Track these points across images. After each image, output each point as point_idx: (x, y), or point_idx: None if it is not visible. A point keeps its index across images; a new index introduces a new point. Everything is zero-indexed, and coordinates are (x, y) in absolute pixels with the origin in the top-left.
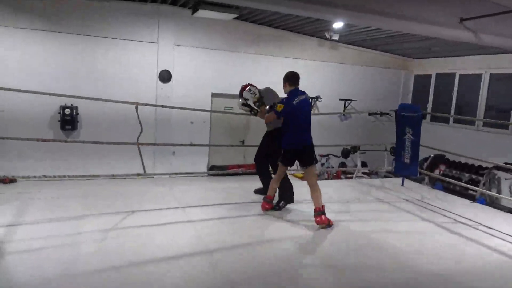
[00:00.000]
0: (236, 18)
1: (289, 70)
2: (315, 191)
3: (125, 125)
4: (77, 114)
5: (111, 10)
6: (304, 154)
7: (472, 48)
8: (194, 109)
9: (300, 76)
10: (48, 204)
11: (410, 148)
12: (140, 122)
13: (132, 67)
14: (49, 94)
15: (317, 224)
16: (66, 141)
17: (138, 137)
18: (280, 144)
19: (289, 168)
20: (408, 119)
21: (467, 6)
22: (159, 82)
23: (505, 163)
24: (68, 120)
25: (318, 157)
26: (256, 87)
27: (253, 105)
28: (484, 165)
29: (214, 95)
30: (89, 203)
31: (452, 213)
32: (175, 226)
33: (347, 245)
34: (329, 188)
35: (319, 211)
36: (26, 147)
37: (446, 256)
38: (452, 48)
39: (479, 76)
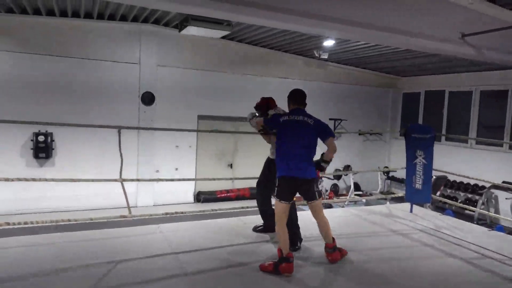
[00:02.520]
0: (224, 37)
1: (295, 88)
2: (324, 225)
3: (105, 151)
4: (52, 141)
5: (90, 30)
6: (302, 186)
7: (461, 65)
8: (180, 129)
9: (287, 95)
10: (16, 255)
11: (422, 173)
12: (120, 152)
13: (112, 89)
14: (22, 122)
15: (330, 262)
16: (34, 180)
17: (120, 171)
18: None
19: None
20: (419, 141)
21: (468, 21)
22: (142, 105)
23: (504, 182)
24: (42, 148)
25: None
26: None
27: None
28: (480, 184)
29: (200, 117)
30: (63, 253)
31: (476, 245)
32: (169, 281)
33: None
34: (332, 217)
35: (331, 248)
36: None
37: None
38: (441, 65)
39: (469, 93)
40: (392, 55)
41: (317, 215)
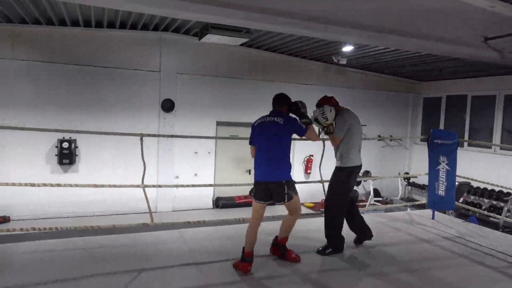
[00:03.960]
0: (242, 44)
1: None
2: (286, 222)
3: (127, 157)
4: (76, 147)
5: (113, 40)
6: (274, 188)
7: (484, 69)
8: (199, 137)
9: (306, 101)
10: (39, 260)
11: (445, 179)
12: (143, 159)
13: (134, 97)
14: (47, 130)
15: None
16: (59, 185)
17: (143, 178)
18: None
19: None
20: (442, 147)
21: (491, 24)
22: (162, 112)
23: None
24: (66, 154)
25: None
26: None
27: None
28: (505, 190)
29: (219, 123)
30: (84, 259)
31: (504, 253)
32: None
33: None
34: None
35: (276, 242)
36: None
37: None
38: (463, 69)
39: (493, 98)
40: (412, 60)
41: (294, 212)
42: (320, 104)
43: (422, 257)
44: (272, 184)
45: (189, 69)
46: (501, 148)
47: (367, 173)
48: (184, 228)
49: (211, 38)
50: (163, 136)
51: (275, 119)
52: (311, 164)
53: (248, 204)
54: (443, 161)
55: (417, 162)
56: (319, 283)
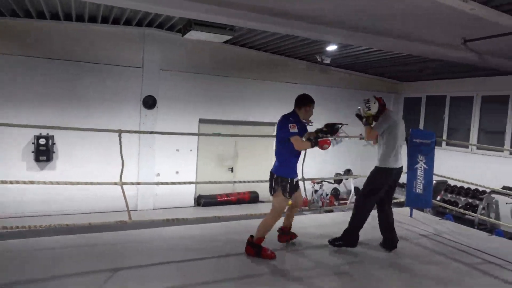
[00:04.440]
0: (226, 42)
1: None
2: (263, 222)
3: (106, 154)
4: (53, 144)
5: (94, 34)
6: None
7: (463, 71)
8: (180, 133)
9: (290, 100)
10: (10, 260)
11: (422, 178)
12: (121, 156)
13: (115, 93)
14: (23, 126)
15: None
16: (32, 183)
17: (121, 175)
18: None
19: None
20: (421, 146)
21: (470, 27)
22: (143, 109)
23: (504, 187)
24: (43, 151)
25: (311, 184)
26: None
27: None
28: (481, 189)
29: (201, 121)
30: (60, 258)
31: (477, 249)
32: None
33: None
34: (334, 223)
35: (249, 241)
36: None
37: None
38: (443, 70)
39: (470, 98)
40: (393, 60)
41: (272, 208)
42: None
43: (401, 255)
44: (270, 174)
45: (172, 66)
46: (477, 148)
47: (348, 172)
48: (164, 226)
49: (194, 35)
50: (142, 132)
51: (280, 119)
52: None
53: (230, 202)
54: (421, 160)
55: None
56: (297, 279)
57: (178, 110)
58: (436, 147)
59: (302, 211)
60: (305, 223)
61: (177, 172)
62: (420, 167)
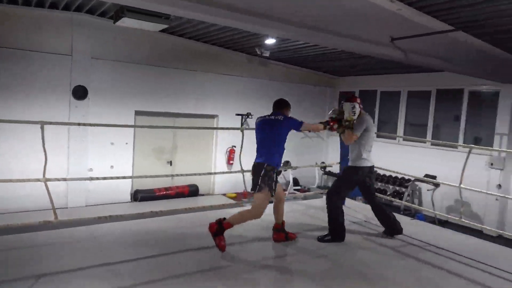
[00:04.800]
0: (163, 31)
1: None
2: (242, 212)
3: (30, 148)
4: None
5: (16, 17)
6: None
7: (392, 67)
8: (112, 125)
9: (229, 93)
10: None
11: None
12: (44, 149)
13: (41, 82)
14: None
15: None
16: None
17: (44, 170)
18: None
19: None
20: None
21: (397, 26)
22: (73, 99)
23: (426, 175)
24: None
25: (251, 175)
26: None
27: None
28: (406, 177)
29: (137, 113)
30: None
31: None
32: None
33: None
34: (268, 213)
35: (221, 222)
36: None
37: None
38: (374, 66)
39: (398, 93)
40: (329, 55)
41: (253, 204)
42: (351, 100)
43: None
44: (254, 166)
45: (105, 54)
46: (404, 139)
47: (287, 163)
48: (95, 224)
49: (127, 22)
50: (69, 124)
51: (269, 117)
52: (234, 155)
53: (169, 196)
54: None
55: (332, 152)
56: (224, 273)
57: (112, 102)
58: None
59: (243, 203)
60: None
61: (112, 167)
62: None
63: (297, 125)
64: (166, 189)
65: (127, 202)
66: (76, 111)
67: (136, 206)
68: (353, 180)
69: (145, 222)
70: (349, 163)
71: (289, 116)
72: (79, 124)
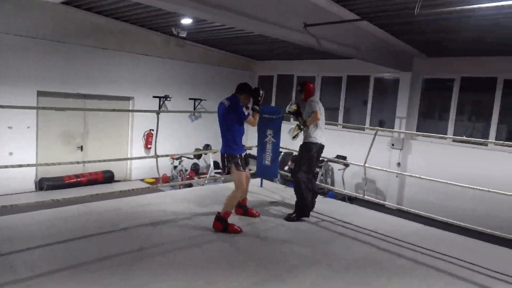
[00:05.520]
0: (68, 3)
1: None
2: (228, 196)
3: None
4: None
5: None
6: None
7: (307, 53)
8: (9, 106)
9: (145, 74)
10: None
11: (271, 150)
12: None
13: None
14: None
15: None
16: None
17: None
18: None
19: None
20: (269, 122)
21: (310, 13)
22: None
23: (337, 156)
24: None
25: (170, 160)
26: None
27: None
28: (321, 158)
29: (40, 93)
30: None
31: (314, 211)
32: None
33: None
34: (192, 196)
35: (216, 217)
36: None
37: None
38: (291, 51)
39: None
40: (246, 39)
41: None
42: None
43: (251, 221)
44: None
45: (2, 27)
46: None
47: (207, 147)
48: None
49: None
50: None
51: (223, 101)
52: (152, 139)
53: (81, 184)
54: (270, 134)
55: (252, 134)
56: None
57: (8, 81)
58: (284, 122)
59: (160, 186)
60: (165, 199)
61: (10, 153)
62: (269, 140)
63: (242, 117)
64: (77, 176)
65: (31, 191)
66: None
67: (42, 195)
68: (309, 154)
69: (48, 211)
70: (303, 140)
71: (241, 104)
72: None
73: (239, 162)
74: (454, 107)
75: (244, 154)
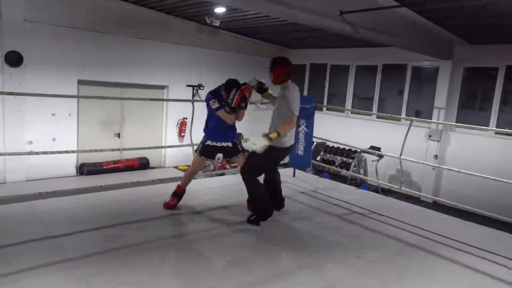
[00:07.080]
0: None
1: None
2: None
3: None
4: None
5: None
6: None
7: (341, 40)
8: (53, 95)
9: (179, 63)
10: None
11: (304, 140)
12: None
13: None
14: None
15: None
16: None
17: None
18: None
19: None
20: (302, 111)
21: (346, 0)
22: (6, 66)
23: (371, 147)
24: None
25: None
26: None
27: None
28: (353, 149)
29: (81, 82)
30: None
31: (346, 202)
32: (46, 269)
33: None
34: (225, 185)
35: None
36: None
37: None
38: (324, 40)
39: (347, 67)
40: (280, 27)
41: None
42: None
43: (284, 211)
44: None
45: (42, 17)
46: (351, 112)
47: (239, 135)
48: (36, 200)
49: None
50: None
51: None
52: (185, 127)
53: (118, 170)
54: (303, 124)
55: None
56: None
57: (51, 70)
58: (316, 111)
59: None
60: (199, 187)
61: (54, 139)
62: (302, 130)
63: (207, 108)
64: (114, 162)
65: (72, 176)
66: (10, 79)
67: (83, 180)
68: (267, 159)
69: (91, 196)
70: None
71: (218, 98)
72: (12, 94)
73: (200, 147)
74: (498, 98)
75: (211, 143)
